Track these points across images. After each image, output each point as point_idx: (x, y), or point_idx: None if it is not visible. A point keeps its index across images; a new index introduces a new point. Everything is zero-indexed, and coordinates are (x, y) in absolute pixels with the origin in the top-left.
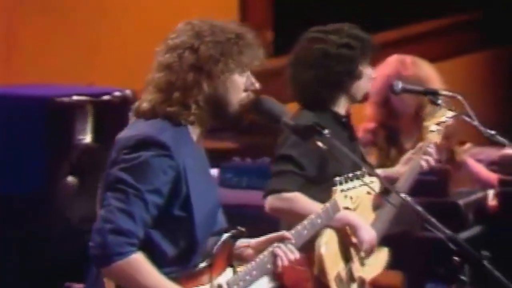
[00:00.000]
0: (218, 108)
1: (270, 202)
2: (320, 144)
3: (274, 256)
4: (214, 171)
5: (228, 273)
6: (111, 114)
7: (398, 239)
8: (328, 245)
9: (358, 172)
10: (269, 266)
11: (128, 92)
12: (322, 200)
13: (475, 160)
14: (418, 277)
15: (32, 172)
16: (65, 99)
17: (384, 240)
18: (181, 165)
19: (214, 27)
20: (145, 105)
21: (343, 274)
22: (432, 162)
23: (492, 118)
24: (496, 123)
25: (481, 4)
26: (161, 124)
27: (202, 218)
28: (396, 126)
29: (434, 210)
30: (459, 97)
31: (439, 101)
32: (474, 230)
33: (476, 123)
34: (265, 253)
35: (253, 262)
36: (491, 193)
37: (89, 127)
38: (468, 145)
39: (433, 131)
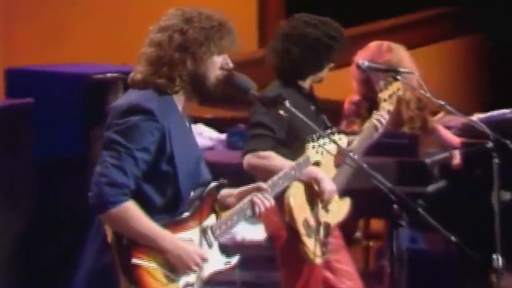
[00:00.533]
0: (198, 82)
1: (248, 159)
2: (281, 112)
3: (253, 203)
4: (223, 135)
5: (212, 219)
6: None
7: (377, 191)
8: (295, 196)
9: (328, 132)
10: (248, 212)
11: None
12: (290, 160)
13: (446, 127)
14: (394, 224)
15: (73, 138)
16: (101, 76)
17: (366, 193)
18: (165, 127)
19: (201, 14)
20: (138, 76)
21: (310, 219)
22: (383, 122)
23: (475, 98)
24: (479, 102)
25: None
26: (149, 94)
27: (185, 172)
28: (377, 99)
29: (405, 167)
30: (415, 73)
31: (399, 77)
32: (439, 184)
33: (428, 95)
34: (245, 200)
35: (234, 209)
36: (457, 153)
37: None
38: (441, 114)
39: (386, 101)
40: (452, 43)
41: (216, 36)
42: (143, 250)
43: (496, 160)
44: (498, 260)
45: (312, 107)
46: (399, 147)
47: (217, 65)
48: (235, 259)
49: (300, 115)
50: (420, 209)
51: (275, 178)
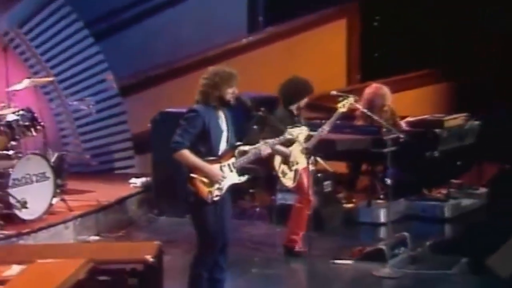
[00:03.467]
0: (222, 99)
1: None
2: (261, 113)
3: (260, 150)
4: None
5: (233, 160)
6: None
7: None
8: (277, 158)
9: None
10: (258, 153)
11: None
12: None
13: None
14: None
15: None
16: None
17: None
18: (206, 118)
19: (221, 70)
20: (197, 98)
21: (284, 167)
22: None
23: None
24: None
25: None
26: (200, 105)
27: (214, 138)
28: (373, 111)
29: (374, 140)
30: (352, 96)
31: (350, 99)
32: (391, 148)
33: (360, 107)
34: (255, 147)
35: (247, 155)
36: (402, 135)
37: None
38: (408, 118)
39: (341, 108)
40: (435, 87)
41: (229, 79)
42: (196, 171)
43: (389, 142)
44: (388, 181)
45: (295, 118)
46: (373, 131)
47: (229, 91)
48: (244, 178)
49: (272, 117)
50: (319, 159)
51: (271, 140)
